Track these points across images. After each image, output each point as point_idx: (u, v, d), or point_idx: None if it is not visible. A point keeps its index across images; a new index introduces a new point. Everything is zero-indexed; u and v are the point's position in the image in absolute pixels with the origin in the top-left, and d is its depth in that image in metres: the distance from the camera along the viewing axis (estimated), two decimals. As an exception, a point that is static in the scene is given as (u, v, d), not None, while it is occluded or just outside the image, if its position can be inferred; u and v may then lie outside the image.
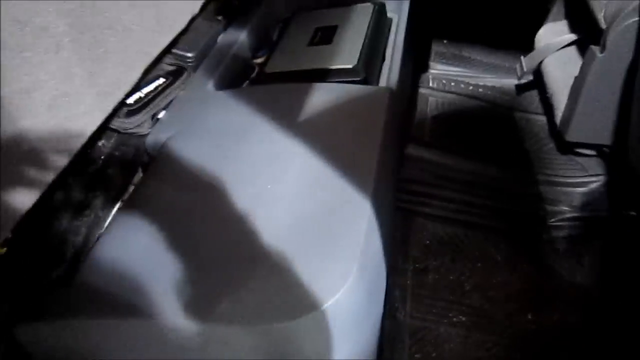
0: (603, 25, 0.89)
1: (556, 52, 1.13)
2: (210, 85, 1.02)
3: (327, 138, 0.81)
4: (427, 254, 1.02)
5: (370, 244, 0.64)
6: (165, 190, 0.79)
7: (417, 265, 1.00)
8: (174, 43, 1.02)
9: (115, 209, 0.87)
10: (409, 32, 1.20)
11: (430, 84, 1.31)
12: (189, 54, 1.09)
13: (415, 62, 1.50)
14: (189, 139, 0.87)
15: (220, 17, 1.27)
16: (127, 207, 0.81)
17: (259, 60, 1.19)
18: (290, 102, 0.89)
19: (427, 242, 1.04)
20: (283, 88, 0.94)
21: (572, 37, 1.11)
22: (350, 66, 0.95)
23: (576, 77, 0.94)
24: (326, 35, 1.08)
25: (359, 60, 0.96)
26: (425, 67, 1.47)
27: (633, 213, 1.01)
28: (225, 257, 0.64)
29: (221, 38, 1.19)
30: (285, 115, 0.86)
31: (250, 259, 0.62)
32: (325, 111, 0.86)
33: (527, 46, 1.55)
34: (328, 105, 0.87)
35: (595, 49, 0.88)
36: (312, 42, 1.08)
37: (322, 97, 0.88)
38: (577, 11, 1.17)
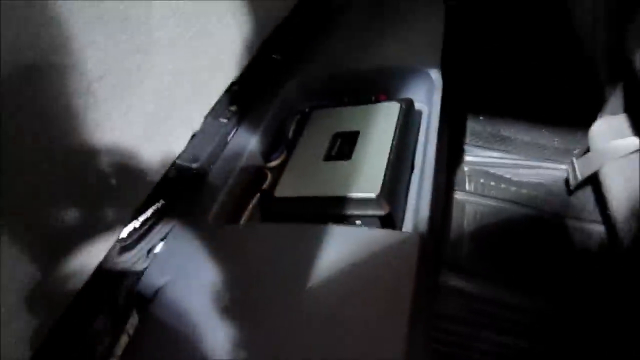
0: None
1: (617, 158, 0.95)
2: (215, 207, 0.90)
3: (344, 296, 0.68)
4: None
5: None
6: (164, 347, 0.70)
7: None
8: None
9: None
10: (442, 125, 1.05)
11: (467, 187, 1.15)
12: (193, 165, 0.98)
13: (449, 149, 1.36)
14: (186, 287, 0.77)
15: (233, 108, 1.16)
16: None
17: (273, 164, 1.06)
18: (301, 247, 0.76)
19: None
20: (294, 229, 0.81)
21: (636, 143, 0.93)
22: (372, 196, 0.81)
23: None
24: (346, 146, 0.95)
25: (382, 188, 0.81)
26: (459, 153, 1.31)
27: None
28: None
29: (232, 140, 1.08)
30: (297, 264, 0.73)
31: None
32: (342, 261, 0.73)
33: (576, 120, 1.39)
34: (346, 254, 0.73)
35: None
36: (330, 155, 0.94)
37: (339, 243, 0.75)
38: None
